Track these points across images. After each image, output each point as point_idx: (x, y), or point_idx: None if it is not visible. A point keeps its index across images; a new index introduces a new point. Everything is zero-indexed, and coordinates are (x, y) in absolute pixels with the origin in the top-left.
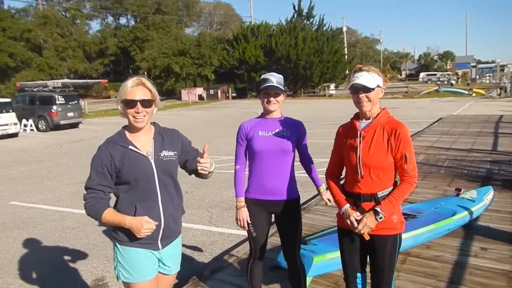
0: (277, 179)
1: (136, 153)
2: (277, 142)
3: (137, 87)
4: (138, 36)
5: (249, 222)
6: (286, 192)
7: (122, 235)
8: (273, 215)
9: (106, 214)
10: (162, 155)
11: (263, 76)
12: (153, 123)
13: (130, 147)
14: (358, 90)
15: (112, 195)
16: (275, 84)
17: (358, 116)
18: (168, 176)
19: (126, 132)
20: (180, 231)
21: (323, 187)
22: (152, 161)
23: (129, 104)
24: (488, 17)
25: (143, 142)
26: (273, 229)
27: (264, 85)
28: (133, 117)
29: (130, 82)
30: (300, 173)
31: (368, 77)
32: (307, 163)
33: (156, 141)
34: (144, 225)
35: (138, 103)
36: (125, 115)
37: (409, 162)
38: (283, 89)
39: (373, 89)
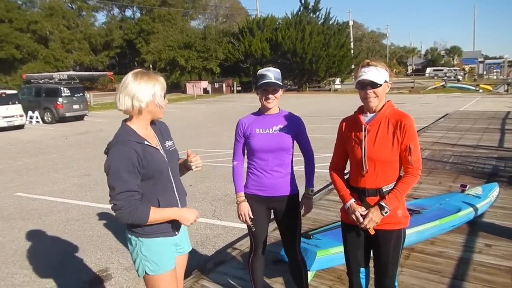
0: (276, 176)
1: (151, 147)
2: (274, 140)
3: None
4: (144, 28)
5: (251, 216)
6: (285, 188)
7: (147, 228)
8: (272, 210)
9: (154, 213)
10: (167, 146)
11: (259, 72)
12: None
13: (146, 142)
14: (365, 86)
15: None
16: (273, 80)
17: (362, 110)
18: (175, 165)
19: (133, 128)
20: None
21: (310, 190)
22: (162, 152)
23: (164, 97)
24: (496, 13)
25: (149, 136)
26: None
27: (262, 82)
28: (161, 108)
29: (156, 75)
30: (301, 168)
31: (376, 73)
32: (306, 157)
33: (157, 133)
34: (194, 213)
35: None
36: (153, 109)
37: (413, 153)
38: (281, 84)
39: (381, 84)
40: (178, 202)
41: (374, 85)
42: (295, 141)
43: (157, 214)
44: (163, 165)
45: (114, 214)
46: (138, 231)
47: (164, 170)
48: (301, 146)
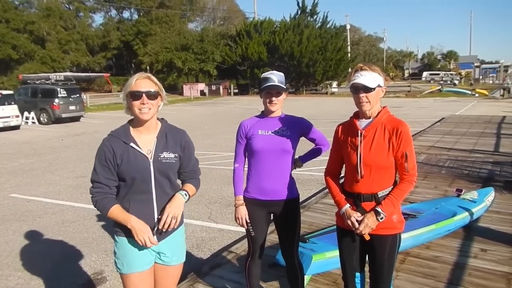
0: (276, 179)
1: (136, 151)
2: (277, 141)
3: (142, 80)
4: (141, 30)
5: (248, 220)
6: (285, 192)
7: (120, 225)
8: (272, 214)
9: (113, 211)
10: (162, 156)
11: (263, 75)
12: (161, 119)
13: (132, 144)
14: (358, 90)
15: None
16: (276, 83)
17: (358, 115)
18: (164, 177)
19: (131, 128)
20: (181, 223)
21: (299, 164)
22: (151, 161)
23: (135, 96)
24: (492, 17)
25: (146, 140)
26: (272, 226)
27: (266, 85)
28: (139, 109)
29: (136, 75)
30: (300, 171)
31: (369, 77)
32: (320, 147)
33: (160, 140)
34: (145, 233)
35: (144, 94)
36: (131, 109)
37: (409, 160)
38: (285, 87)
39: (374, 89)
40: (155, 213)
41: (366, 89)
42: (310, 140)
43: (116, 214)
44: (137, 172)
45: None
46: (114, 228)
47: (138, 176)
48: (316, 141)
